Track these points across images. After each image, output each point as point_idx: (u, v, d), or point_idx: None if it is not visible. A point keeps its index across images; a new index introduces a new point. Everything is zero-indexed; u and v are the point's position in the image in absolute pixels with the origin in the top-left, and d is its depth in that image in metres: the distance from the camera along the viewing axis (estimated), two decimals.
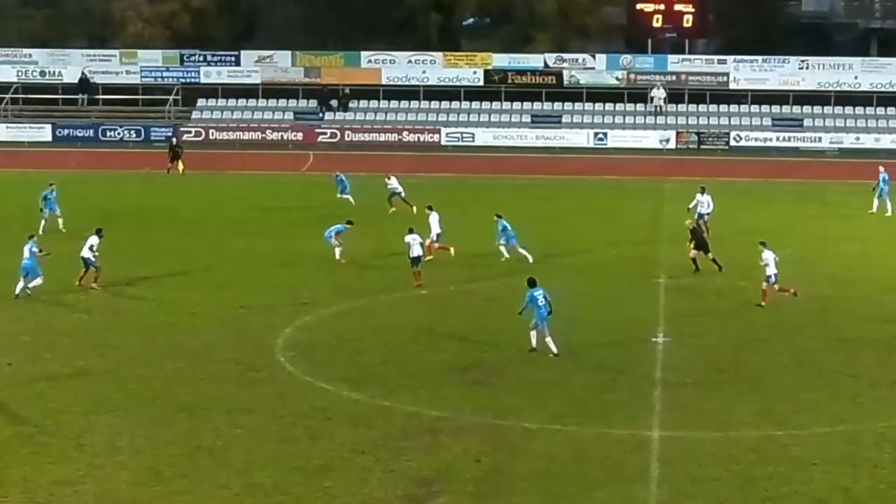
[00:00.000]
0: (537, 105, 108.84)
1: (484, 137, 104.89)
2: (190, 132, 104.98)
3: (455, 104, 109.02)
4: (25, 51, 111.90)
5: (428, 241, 56.35)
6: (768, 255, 51.16)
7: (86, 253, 52.04)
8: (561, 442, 35.14)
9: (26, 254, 51.68)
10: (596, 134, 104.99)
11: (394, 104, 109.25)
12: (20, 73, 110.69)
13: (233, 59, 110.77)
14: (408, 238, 52.78)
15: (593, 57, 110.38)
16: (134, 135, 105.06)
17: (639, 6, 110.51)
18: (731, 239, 61.25)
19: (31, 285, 50.92)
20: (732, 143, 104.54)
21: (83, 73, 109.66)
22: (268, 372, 41.82)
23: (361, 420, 37.01)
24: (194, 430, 36.02)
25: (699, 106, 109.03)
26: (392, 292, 52.14)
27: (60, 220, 64.19)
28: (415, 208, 68.10)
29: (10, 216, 67.35)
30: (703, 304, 51.86)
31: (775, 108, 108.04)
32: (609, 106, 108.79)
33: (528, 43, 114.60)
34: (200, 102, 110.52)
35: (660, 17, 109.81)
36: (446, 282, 53.85)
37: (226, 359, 43.29)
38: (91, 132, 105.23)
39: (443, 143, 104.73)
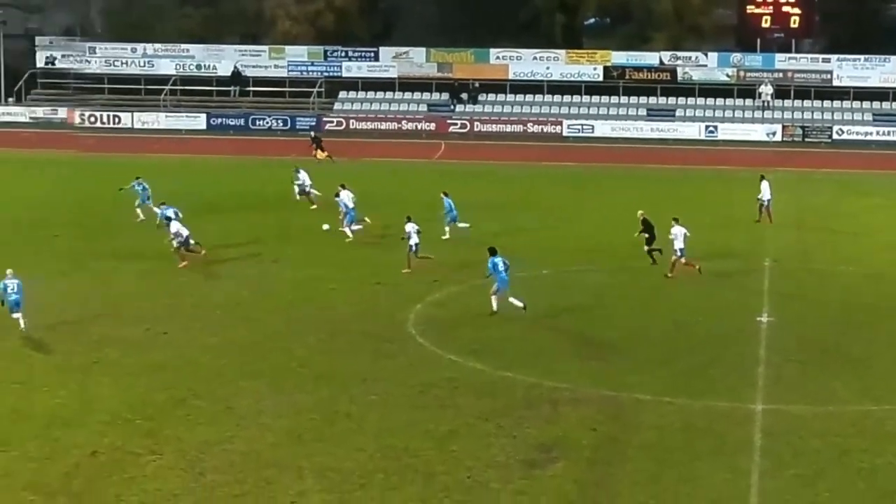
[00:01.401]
0: (652, 99, 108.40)
1: (602, 129, 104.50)
2: (332, 122, 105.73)
3: (576, 98, 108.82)
4: (183, 46, 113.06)
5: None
6: (678, 231, 51.07)
7: (185, 231, 52.84)
8: (671, 413, 34.90)
9: (171, 213, 54.64)
10: (707, 127, 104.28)
11: (519, 98, 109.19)
12: (178, 67, 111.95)
13: (372, 54, 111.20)
14: (408, 227, 52.60)
15: (706, 55, 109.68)
16: (281, 124, 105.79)
17: (749, 8, 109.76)
18: (832, 227, 60.58)
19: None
20: (835, 136, 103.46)
21: (235, 67, 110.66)
22: (400, 344, 41.91)
23: (486, 390, 36.98)
24: (332, 397, 36.17)
25: (804, 101, 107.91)
26: (515, 272, 51.95)
27: (139, 210, 63.36)
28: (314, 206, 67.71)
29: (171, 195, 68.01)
30: (805, 287, 51.31)
31: (876, 104, 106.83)
32: (720, 101, 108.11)
33: (645, 42, 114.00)
34: (342, 95, 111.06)
35: (768, 17, 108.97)
36: (568, 263, 53.66)
37: (361, 331, 43.43)
38: (242, 121, 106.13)
39: (564, 134, 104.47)
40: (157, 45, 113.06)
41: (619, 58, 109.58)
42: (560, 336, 43.42)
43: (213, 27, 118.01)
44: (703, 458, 31.46)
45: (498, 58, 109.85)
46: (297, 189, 68.68)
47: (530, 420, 34.31)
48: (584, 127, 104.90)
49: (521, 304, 45.07)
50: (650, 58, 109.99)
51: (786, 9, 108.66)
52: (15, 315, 42.42)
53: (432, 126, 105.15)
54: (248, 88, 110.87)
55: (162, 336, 42.53)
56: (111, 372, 38.31)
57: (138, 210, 62.24)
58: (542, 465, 31.03)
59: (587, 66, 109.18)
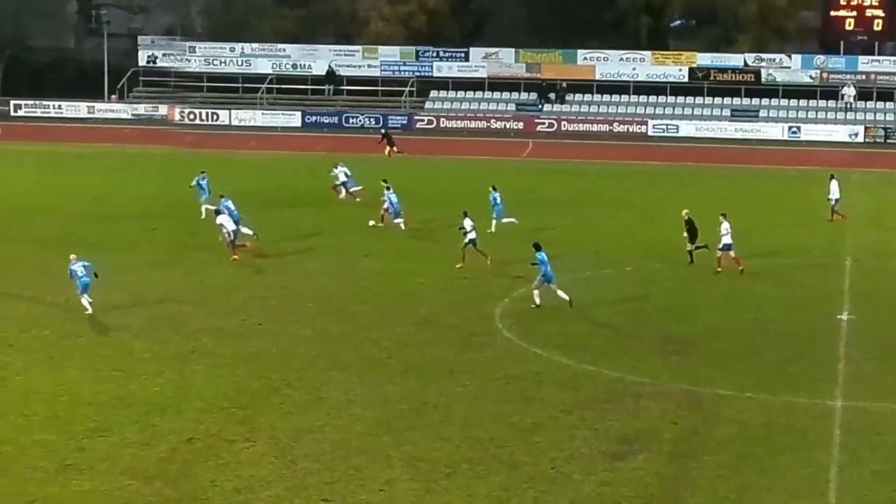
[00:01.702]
0: (737, 100, 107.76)
1: (687, 129, 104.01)
2: (423, 120, 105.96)
3: (661, 98, 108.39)
4: (280, 46, 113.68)
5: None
6: (726, 226, 50.95)
7: (231, 225, 52.95)
8: (751, 409, 34.69)
9: (231, 206, 54.93)
10: (790, 128, 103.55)
11: (606, 98, 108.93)
12: (275, 66, 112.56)
13: (463, 55, 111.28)
14: (465, 222, 52.42)
15: (789, 57, 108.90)
16: (373, 122, 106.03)
17: (833, 11, 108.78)
18: None
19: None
20: None
21: (330, 67, 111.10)
22: (487, 337, 41.93)
23: (570, 383, 36.94)
24: (421, 388, 36.25)
25: (887, 103, 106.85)
26: (599, 269, 51.93)
27: (203, 208, 63.12)
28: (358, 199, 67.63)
29: (262, 191, 68.31)
30: (886, 286, 50.83)
31: None
32: (803, 102, 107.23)
33: (730, 44, 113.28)
34: (433, 94, 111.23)
35: (852, 20, 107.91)
36: (650, 259, 53.48)
37: (449, 324, 43.52)
38: (336, 119, 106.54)
39: (649, 133, 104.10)
40: (255, 45, 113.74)
41: (704, 59, 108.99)
42: (642, 331, 43.21)
43: (308, 27, 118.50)
44: (782, 452, 31.26)
45: (585, 59, 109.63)
46: (332, 183, 68.66)
47: (613, 413, 34.23)
48: (669, 127, 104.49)
49: (566, 297, 45.28)
50: (735, 59, 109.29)
51: (869, 12, 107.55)
52: (84, 299, 43.45)
53: (520, 125, 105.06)
54: (341, 87, 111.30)
55: (256, 327, 42.81)
56: (207, 361, 38.61)
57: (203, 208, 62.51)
58: (624, 458, 30.95)
59: (672, 68, 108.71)
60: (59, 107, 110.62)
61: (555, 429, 33.00)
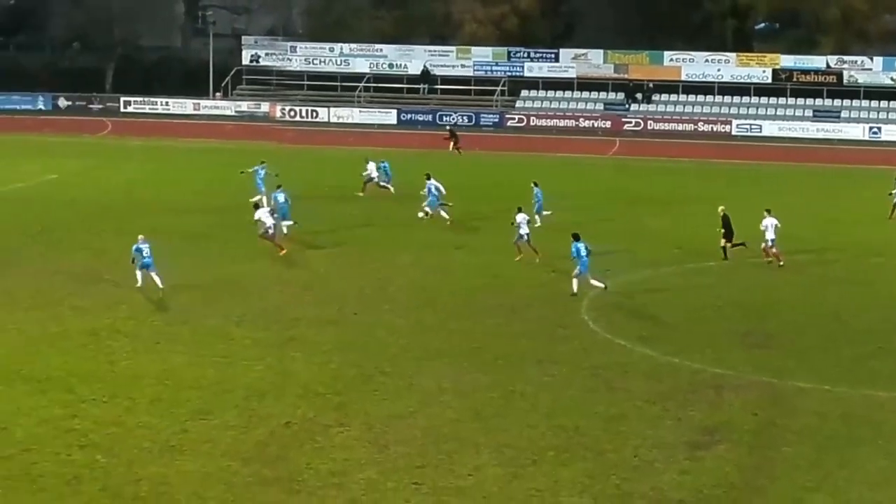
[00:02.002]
0: (819, 101, 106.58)
1: (770, 129, 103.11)
2: (514, 119, 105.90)
3: (745, 99, 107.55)
4: (377, 46, 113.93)
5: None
6: (769, 222, 50.98)
7: (269, 220, 52.53)
8: (830, 401, 34.39)
9: (281, 199, 55.80)
10: (871, 128, 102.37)
11: (691, 98, 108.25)
12: (372, 66, 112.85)
13: (553, 55, 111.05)
14: (518, 217, 52.09)
15: (871, 59, 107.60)
16: (466, 120, 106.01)
17: None
18: None
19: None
20: None
21: (425, 66, 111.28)
22: (573, 329, 41.89)
23: (653, 374, 36.83)
24: (509, 378, 36.25)
25: None
26: (682, 264, 51.68)
27: (264, 199, 62.36)
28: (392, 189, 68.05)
29: (358, 186, 68.50)
30: None
31: None
32: (884, 103, 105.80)
33: (812, 46, 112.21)
34: (524, 93, 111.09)
35: None
36: (733, 255, 53.10)
37: (537, 316, 43.49)
38: (430, 117, 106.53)
39: (733, 133, 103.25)
40: (353, 45, 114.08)
41: (787, 61, 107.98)
42: (724, 325, 42.96)
43: (404, 28, 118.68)
44: (860, 444, 30.99)
45: (671, 60, 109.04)
46: (364, 178, 68.28)
47: (695, 404, 34.09)
48: (753, 126, 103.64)
49: (602, 285, 45.78)
50: (817, 61, 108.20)
51: None
52: (153, 274, 44.87)
53: (608, 124, 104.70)
54: (436, 86, 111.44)
55: (352, 316, 43.00)
56: (305, 349, 38.82)
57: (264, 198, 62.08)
58: (705, 447, 30.81)
59: (756, 69, 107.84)
60: (167, 103, 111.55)
61: (638, 418, 32.92)
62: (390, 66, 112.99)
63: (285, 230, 55.25)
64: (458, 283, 48.19)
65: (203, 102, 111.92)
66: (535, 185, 59.67)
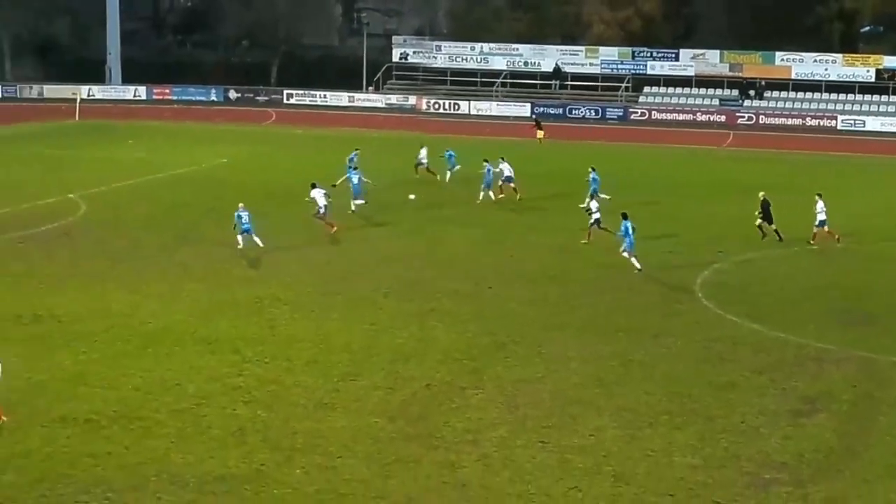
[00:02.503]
0: None
1: (873, 124, 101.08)
2: (636, 113, 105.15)
3: (850, 96, 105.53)
4: (513, 45, 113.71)
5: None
6: (821, 206, 50.61)
7: (321, 199, 52.07)
8: None
9: (355, 180, 56.90)
10: None
11: (799, 95, 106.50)
12: (509, 63, 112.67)
13: (673, 55, 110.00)
14: (592, 204, 51.52)
15: None
16: (593, 113, 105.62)
17: None
18: None
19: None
20: None
21: (556, 64, 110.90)
22: (688, 305, 41.62)
23: (761, 347, 36.48)
24: (628, 348, 36.16)
25: None
26: (789, 247, 51.02)
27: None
28: (438, 176, 66.91)
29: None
30: None
31: None
32: None
33: None
34: (646, 89, 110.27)
35: None
36: (834, 239, 52.34)
37: (655, 292, 43.27)
38: (560, 110, 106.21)
39: (838, 128, 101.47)
40: (492, 45, 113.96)
41: (890, 62, 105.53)
42: (825, 304, 42.39)
43: (538, 29, 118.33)
44: None
45: (782, 60, 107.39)
46: (416, 162, 67.68)
47: (798, 375, 33.78)
48: (857, 122, 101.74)
49: (639, 267, 45.41)
50: None
51: None
52: (254, 237, 47.37)
53: (723, 118, 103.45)
54: (566, 82, 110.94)
55: (487, 290, 43.09)
56: (444, 319, 39.00)
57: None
58: (806, 415, 30.54)
59: (861, 69, 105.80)
60: (325, 96, 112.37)
61: (746, 387, 32.70)
62: (525, 63, 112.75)
63: (354, 207, 56.08)
64: (583, 262, 48.05)
65: (357, 95, 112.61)
66: (593, 169, 59.06)
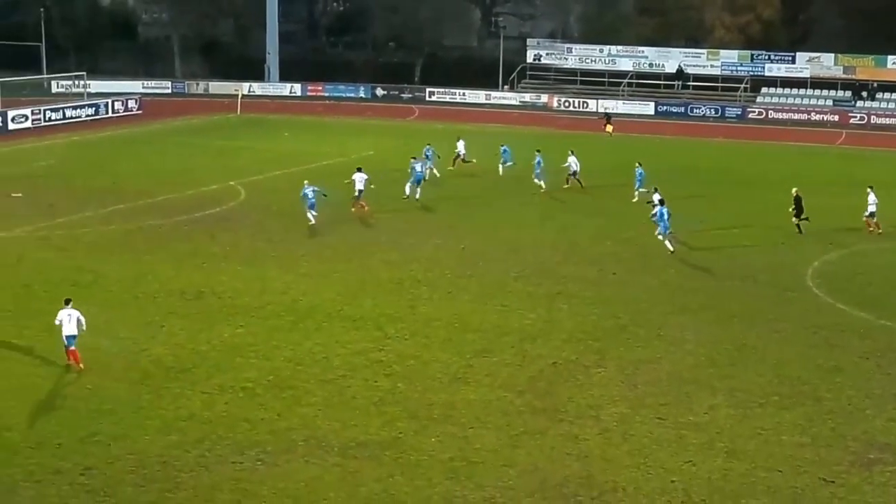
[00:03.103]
0: None
1: None
2: (754, 112, 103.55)
3: None
4: (639, 48, 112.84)
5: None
6: (872, 198, 50.26)
7: (360, 183, 53.29)
8: None
9: (418, 168, 57.10)
10: None
11: None
12: (635, 64, 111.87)
13: (790, 58, 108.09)
14: (655, 197, 50.29)
15: None
16: (712, 112, 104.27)
17: None
18: None
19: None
20: None
21: (679, 66, 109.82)
22: (799, 293, 40.95)
23: (868, 334, 35.84)
24: (742, 332, 35.74)
25: None
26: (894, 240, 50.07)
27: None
28: (475, 160, 66.28)
29: (617, 165, 67.94)
30: None
31: None
32: None
33: None
34: (763, 90, 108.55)
35: None
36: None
37: (767, 281, 42.61)
38: (682, 109, 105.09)
39: None
40: (619, 47, 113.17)
41: None
42: None
43: (662, 33, 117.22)
44: None
45: (894, 63, 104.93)
46: (457, 155, 66.64)
47: None
48: None
49: (672, 249, 45.91)
50: None
51: None
52: (310, 213, 49.56)
53: (836, 118, 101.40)
54: (688, 83, 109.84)
55: (611, 276, 42.90)
56: (570, 301, 38.91)
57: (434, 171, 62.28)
58: None
59: None
60: (464, 94, 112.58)
61: (853, 371, 32.16)
62: (650, 65, 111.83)
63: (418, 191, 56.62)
64: (699, 252, 47.51)
65: (493, 94, 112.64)
66: (639, 164, 58.20)
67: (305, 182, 50.69)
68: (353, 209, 53.03)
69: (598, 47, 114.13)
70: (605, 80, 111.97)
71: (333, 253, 45.49)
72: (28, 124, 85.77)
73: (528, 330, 35.50)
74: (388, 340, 34.13)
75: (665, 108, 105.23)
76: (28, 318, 35.50)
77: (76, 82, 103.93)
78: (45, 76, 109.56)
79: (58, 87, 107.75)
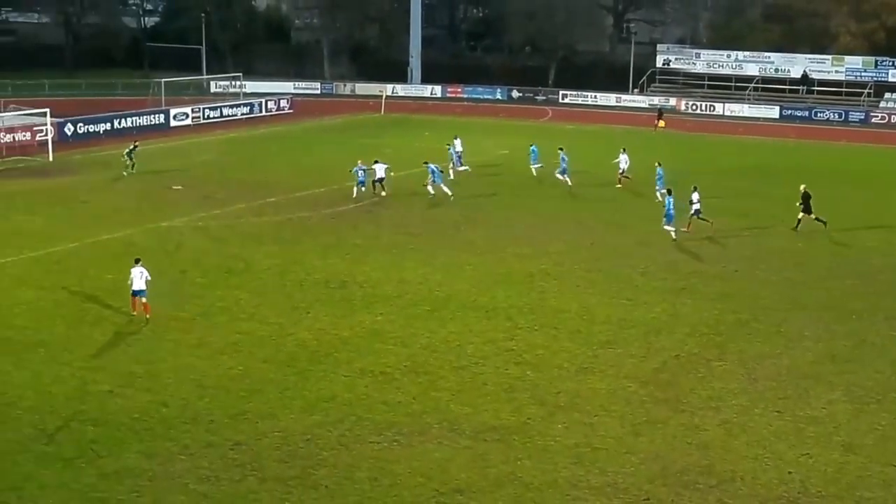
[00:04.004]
0: None
1: None
2: (877, 116, 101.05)
3: None
4: (765, 54, 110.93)
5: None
6: None
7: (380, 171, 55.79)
8: None
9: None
10: None
11: None
12: (761, 70, 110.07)
13: None
14: (693, 196, 48.92)
15: None
16: (836, 116, 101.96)
17: None
18: None
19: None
20: None
21: (804, 71, 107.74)
22: None
23: None
24: (861, 329, 35.01)
25: None
26: None
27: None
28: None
29: (743, 167, 66.98)
30: None
31: None
32: None
33: None
34: (887, 95, 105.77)
35: None
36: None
37: (889, 280, 41.53)
38: (806, 113, 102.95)
39: None
40: (746, 53, 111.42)
41: None
42: None
43: (788, 39, 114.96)
44: None
45: None
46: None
47: None
48: None
49: (675, 238, 46.78)
50: None
51: None
52: (358, 188, 54.47)
53: None
54: (812, 88, 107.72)
55: (733, 273, 42.30)
56: (693, 297, 38.49)
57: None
58: None
59: None
60: (595, 97, 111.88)
61: None
62: (776, 70, 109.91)
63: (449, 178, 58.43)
64: (820, 250, 46.64)
65: (623, 96, 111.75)
66: (659, 164, 56.72)
67: (359, 161, 55.04)
68: (374, 193, 55.37)
69: (725, 52, 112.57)
70: (732, 84, 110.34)
71: (468, 246, 45.60)
72: (188, 122, 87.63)
73: (653, 323, 35.21)
74: (518, 330, 34.14)
75: (790, 111, 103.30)
76: (184, 302, 36.32)
77: (233, 83, 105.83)
78: (205, 77, 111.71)
79: (216, 87, 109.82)
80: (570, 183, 59.31)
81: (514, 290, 38.80)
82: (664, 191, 50.28)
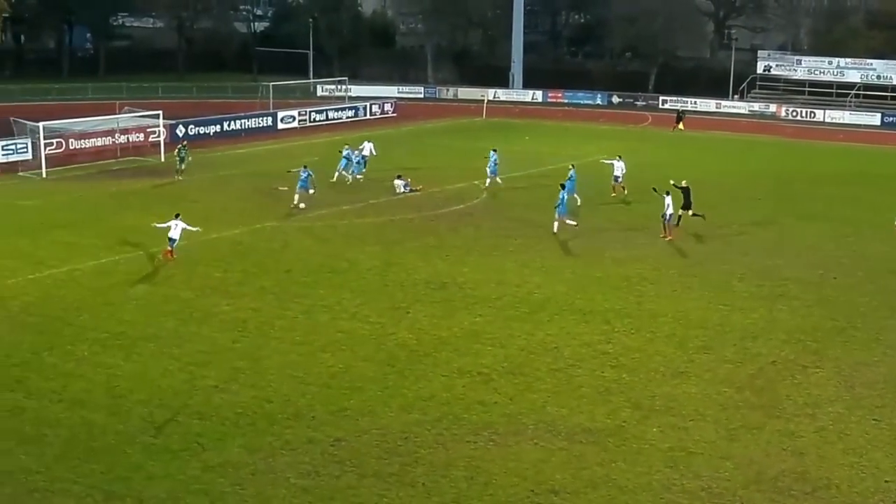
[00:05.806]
0: None
1: None
2: None
3: None
4: (868, 60, 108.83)
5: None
6: None
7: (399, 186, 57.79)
8: None
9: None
10: None
11: None
12: (863, 76, 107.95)
13: None
14: (666, 200, 47.61)
15: None
16: None
17: None
18: None
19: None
20: None
21: None
22: None
23: None
24: None
25: None
26: None
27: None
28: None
29: (844, 173, 65.82)
30: None
31: None
32: None
33: None
34: None
35: None
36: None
37: None
38: None
39: None
40: (848, 59, 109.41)
41: None
42: None
43: (891, 46, 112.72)
44: None
45: None
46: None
47: None
48: None
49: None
50: None
51: None
52: (337, 173, 58.81)
53: None
54: None
55: (831, 280, 41.62)
56: (791, 303, 37.93)
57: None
58: None
59: None
60: (695, 102, 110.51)
61: None
62: (878, 77, 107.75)
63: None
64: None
65: (723, 102, 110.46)
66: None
67: (346, 146, 59.27)
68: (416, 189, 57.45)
69: (826, 59, 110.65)
70: (833, 90, 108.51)
71: (565, 250, 45.47)
72: (295, 124, 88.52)
73: (750, 329, 34.78)
74: (615, 334, 33.96)
75: (892, 118, 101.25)
76: (288, 300, 36.72)
77: (339, 86, 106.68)
78: (312, 80, 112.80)
79: (322, 90, 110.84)
80: (499, 182, 58.95)
81: (611, 293, 38.59)
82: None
